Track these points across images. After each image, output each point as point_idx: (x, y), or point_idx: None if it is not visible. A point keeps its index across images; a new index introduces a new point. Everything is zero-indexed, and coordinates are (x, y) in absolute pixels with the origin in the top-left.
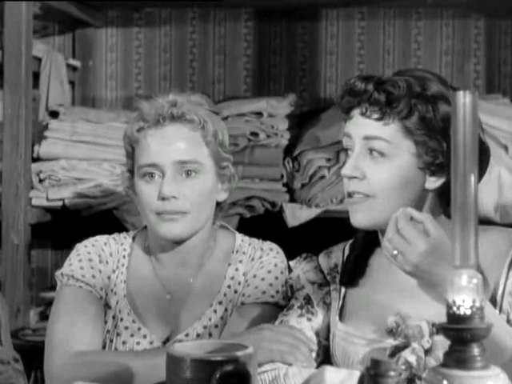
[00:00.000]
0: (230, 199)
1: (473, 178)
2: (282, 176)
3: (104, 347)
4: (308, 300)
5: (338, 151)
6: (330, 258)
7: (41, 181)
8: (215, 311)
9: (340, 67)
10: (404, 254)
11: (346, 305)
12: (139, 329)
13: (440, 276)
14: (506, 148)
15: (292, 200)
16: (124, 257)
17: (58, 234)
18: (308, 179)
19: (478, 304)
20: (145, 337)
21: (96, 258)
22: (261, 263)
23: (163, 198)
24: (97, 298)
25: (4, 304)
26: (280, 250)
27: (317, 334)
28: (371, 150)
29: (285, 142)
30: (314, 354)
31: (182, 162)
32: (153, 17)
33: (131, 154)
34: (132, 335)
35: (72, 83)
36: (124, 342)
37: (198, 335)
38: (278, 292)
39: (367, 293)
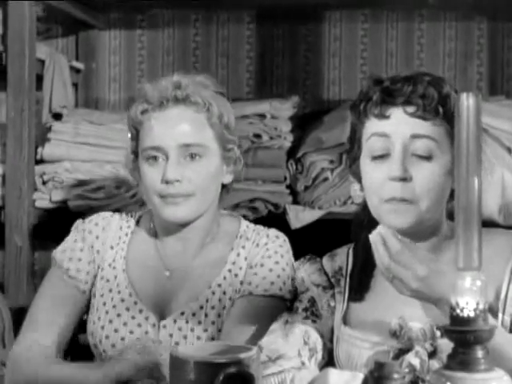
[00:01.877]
0: (233, 201)
1: (476, 181)
2: (286, 178)
3: (96, 323)
4: (312, 303)
5: (341, 153)
6: (334, 261)
7: (44, 183)
8: (213, 293)
9: (343, 69)
10: (403, 280)
11: (350, 308)
12: (135, 303)
13: (440, 294)
14: (509, 150)
15: (295, 202)
16: (126, 234)
17: (61, 236)
18: (311, 181)
19: (481, 306)
20: (140, 311)
21: (89, 239)
22: (267, 250)
23: (167, 182)
24: (79, 292)
25: (7, 306)
26: (286, 238)
27: (321, 336)
28: (416, 151)
29: (288, 143)
30: (319, 357)
31: (186, 145)
32: (156, 19)
33: (135, 136)
34: (128, 309)
35: (75, 85)
36: (119, 315)
37: (193, 314)
38: (284, 284)
39: (371, 296)
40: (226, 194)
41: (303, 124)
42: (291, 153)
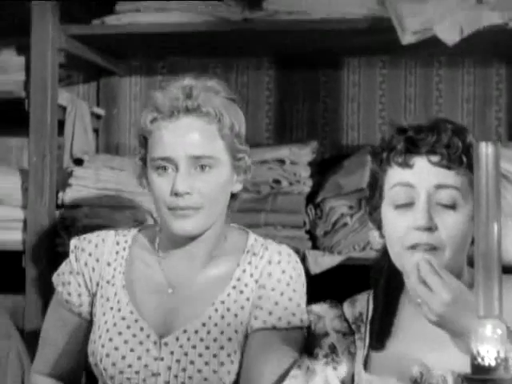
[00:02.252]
0: None
1: (496, 226)
2: (305, 223)
3: (97, 341)
4: (333, 349)
5: (361, 198)
6: (355, 307)
7: (65, 228)
8: (216, 310)
9: (362, 115)
10: (428, 303)
11: (370, 354)
12: (136, 320)
13: (465, 326)
14: None
15: (315, 247)
16: (124, 249)
17: None
18: (331, 226)
19: (502, 355)
20: (142, 329)
21: (83, 258)
22: (283, 273)
23: (176, 194)
24: (75, 315)
25: (25, 348)
26: (295, 255)
27: (342, 383)
28: (440, 200)
29: (307, 189)
30: None
31: (197, 156)
32: (176, 66)
33: (143, 144)
34: (128, 327)
35: (96, 131)
36: (120, 333)
37: (195, 332)
38: (302, 314)
39: (392, 342)
40: (233, 203)
41: (322, 169)
42: (310, 198)
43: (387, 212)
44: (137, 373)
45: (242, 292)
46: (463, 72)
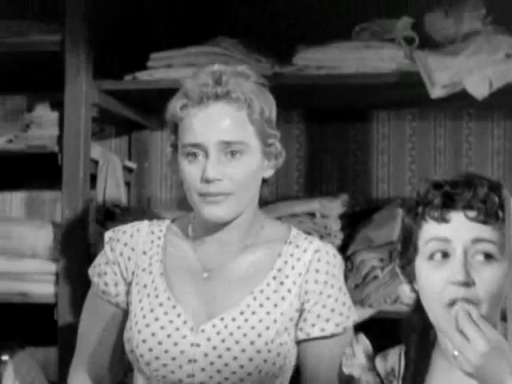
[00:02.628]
0: None
1: None
2: None
3: (133, 328)
4: None
5: (391, 251)
6: (387, 361)
7: None
8: (255, 299)
9: (392, 167)
10: (464, 353)
11: None
12: (174, 307)
13: (502, 378)
14: None
15: None
16: (159, 238)
17: None
18: (361, 279)
19: None
20: (179, 315)
21: (118, 248)
22: (333, 276)
23: (207, 181)
24: (112, 305)
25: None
26: (339, 255)
27: None
28: (477, 255)
29: (338, 242)
30: None
31: (227, 142)
32: None
33: (173, 130)
34: (166, 313)
35: (128, 184)
36: (156, 319)
37: (233, 319)
38: (354, 312)
39: None
40: (265, 189)
41: (353, 222)
42: (341, 251)
43: (422, 266)
44: (173, 359)
45: (282, 283)
46: (493, 125)
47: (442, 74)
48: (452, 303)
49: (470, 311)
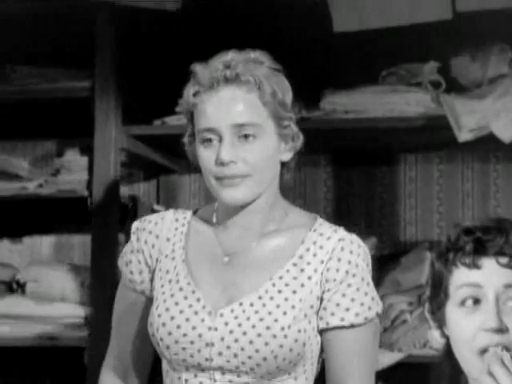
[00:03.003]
0: None
1: None
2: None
3: (154, 312)
4: None
5: (420, 295)
6: None
7: None
8: (274, 285)
9: (419, 210)
10: None
11: None
12: (193, 292)
13: None
14: None
15: None
16: (183, 225)
17: None
18: (390, 323)
19: None
20: (198, 300)
21: (143, 237)
22: (356, 266)
23: (222, 163)
24: (138, 293)
25: None
26: (365, 246)
27: None
28: (510, 301)
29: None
30: None
31: (239, 125)
32: None
33: (189, 119)
34: (186, 297)
35: None
36: (176, 303)
37: (251, 304)
38: (378, 304)
39: None
40: (286, 173)
41: (381, 265)
42: None
43: (453, 313)
44: (192, 343)
45: (302, 270)
46: None
47: (469, 118)
48: (484, 350)
49: (502, 357)
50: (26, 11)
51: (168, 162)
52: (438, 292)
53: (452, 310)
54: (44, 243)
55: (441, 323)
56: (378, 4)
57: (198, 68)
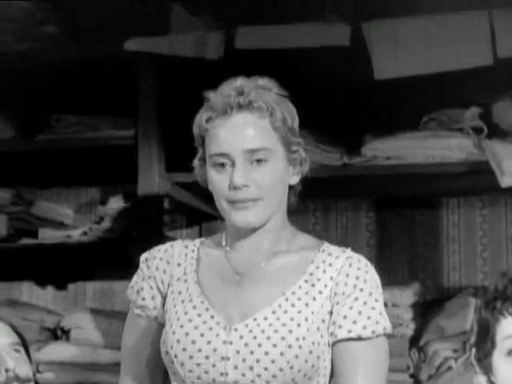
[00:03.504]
0: None
1: None
2: (409, 367)
3: (168, 330)
4: None
5: (465, 341)
6: None
7: None
8: (287, 299)
9: (462, 255)
10: None
11: None
12: (207, 309)
13: None
14: None
15: None
16: (193, 251)
17: None
18: (435, 370)
19: None
20: (212, 317)
21: (153, 264)
22: (364, 282)
23: (235, 188)
24: (151, 320)
25: None
26: (371, 265)
27: None
28: None
29: (410, 332)
30: None
31: (252, 150)
32: None
33: (200, 143)
34: (199, 315)
35: None
36: (190, 320)
37: (265, 318)
38: (385, 321)
39: None
40: (292, 197)
41: (424, 311)
42: (413, 341)
43: (500, 362)
44: (207, 358)
45: (313, 285)
46: None
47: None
48: None
49: None
50: (70, 62)
51: (210, 209)
52: (484, 340)
53: (499, 359)
54: (87, 290)
55: (487, 370)
56: (418, 51)
57: (211, 94)
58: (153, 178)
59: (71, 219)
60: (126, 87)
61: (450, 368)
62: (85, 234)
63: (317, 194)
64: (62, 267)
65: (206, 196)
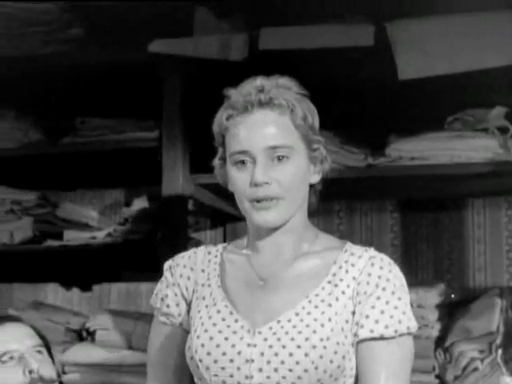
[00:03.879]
0: None
1: None
2: (434, 368)
3: (192, 335)
4: None
5: (491, 342)
6: None
7: None
8: (310, 301)
9: (488, 256)
10: None
11: None
12: (231, 313)
13: None
14: None
15: None
16: (216, 256)
17: None
18: (460, 371)
19: None
20: (236, 321)
21: (177, 272)
22: (387, 281)
23: (256, 185)
24: (176, 327)
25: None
26: (396, 265)
27: None
28: None
29: (435, 333)
30: None
31: (273, 147)
32: None
33: (221, 143)
34: (224, 319)
35: None
36: (214, 324)
37: (288, 320)
38: (409, 320)
39: None
40: (313, 196)
41: (450, 312)
42: (439, 342)
43: None
44: (231, 361)
45: (336, 285)
46: None
47: None
48: None
49: None
50: (94, 65)
51: (234, 210)
52: (510, 340)
53: None
54: (112, 291)
55: None
56: (442, 50)
57: (232, 92)
58: (177, 180)
59: (96, 221)
60: (150, 89)
61: (475, 369)
62: (109, 235)
63: (341, 194)
64: (86, 269)
65: (230, 197)
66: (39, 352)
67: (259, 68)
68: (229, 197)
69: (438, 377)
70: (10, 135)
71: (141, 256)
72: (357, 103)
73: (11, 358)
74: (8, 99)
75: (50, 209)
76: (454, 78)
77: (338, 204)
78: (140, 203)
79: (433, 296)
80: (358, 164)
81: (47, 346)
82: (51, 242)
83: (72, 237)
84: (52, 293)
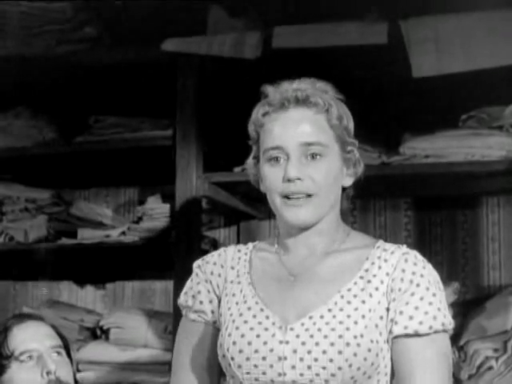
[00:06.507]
0: None
1: None
2: None
3: (224, 333)
4: None
5: (506, 341)
6: None
7: None
8: (342, 297)
9: (503, 254)
10: None
11: None
12: (262, 310)
13: None
14: None
15: None
16: (246, 254)
17: None
18: (475, 370)
19: None
20: (267, 317)
21: (208, 269)
22: (421, 276)
23: (288, 180)
24: (208, 325)
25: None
26: (428, 262)
27: None
28: None
29: (450, 332)
30: None
31: (307, 143)
32: None
33: (256, 140)
34: (254, 316)
35: None
36: (245, 321)
37: (321, 317)
38: (445, 317)
39: None
40: (345, 200)
41: (464, 310)
42: (454, 340)
43: None
44: (263, 358)
45: (369, 281)
46: None
47: None
48: None
49: None
50: (109, 63)
51: (248, 208)
52: None
53: None
54: (126, 289)
55: None
56: (457, 48)
57: (269, 89)
58: (191, 178)
59: (110, 219)
60: (164, 88)
61: (490, 368)
62: (123, 233)
63: (355, 193)
64: (101, 267)
65: (244, 195)
66: (58, 353)
67: (273, 66)
68: (242, 195)
69: (452, 375)
70: (26, 133)
71: (155, 254)
72: (370, 101)
73: (30, 357)
74: (23, 97)
75: (65, 207)
76: (468, 75)
77: (351, 202)
78: (154, 201)
79: (447, 294)
80: (372, 162)
81: (66, 346)
82: (65, 241)
83: (86, 235)
84: (66, 291)
